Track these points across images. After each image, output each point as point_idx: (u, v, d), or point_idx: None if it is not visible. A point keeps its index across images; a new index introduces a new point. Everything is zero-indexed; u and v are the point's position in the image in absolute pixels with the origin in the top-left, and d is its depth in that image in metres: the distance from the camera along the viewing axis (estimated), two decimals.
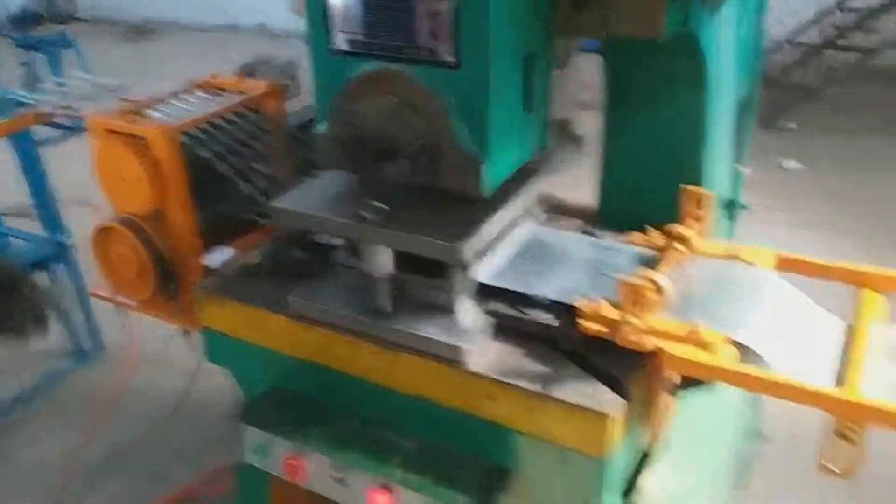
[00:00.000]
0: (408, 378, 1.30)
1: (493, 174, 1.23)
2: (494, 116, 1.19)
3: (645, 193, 1.59)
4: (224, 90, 1.81)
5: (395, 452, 1.31)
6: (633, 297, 1.16)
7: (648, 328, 1.15)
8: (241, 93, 1.78)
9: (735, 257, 1.37)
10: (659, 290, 1.16)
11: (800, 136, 5.18)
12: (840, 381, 1.12)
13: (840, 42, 5.72)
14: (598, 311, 1.20)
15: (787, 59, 5.67)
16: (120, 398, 2.77)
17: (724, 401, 1.71)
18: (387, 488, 1.29)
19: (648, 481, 1.37)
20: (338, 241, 1.46)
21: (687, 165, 1.54)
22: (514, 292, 1.32)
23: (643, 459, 1.40)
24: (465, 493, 1.23)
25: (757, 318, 1.22)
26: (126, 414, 2.76)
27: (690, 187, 1.43)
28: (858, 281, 1.33)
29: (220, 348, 1.52)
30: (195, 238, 1.62)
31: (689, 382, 1.26)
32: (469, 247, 1.20)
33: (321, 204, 1.33)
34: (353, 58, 1.25)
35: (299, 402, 1.44)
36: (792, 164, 4.69)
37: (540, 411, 1.18)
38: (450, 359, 1.24)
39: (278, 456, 1.38)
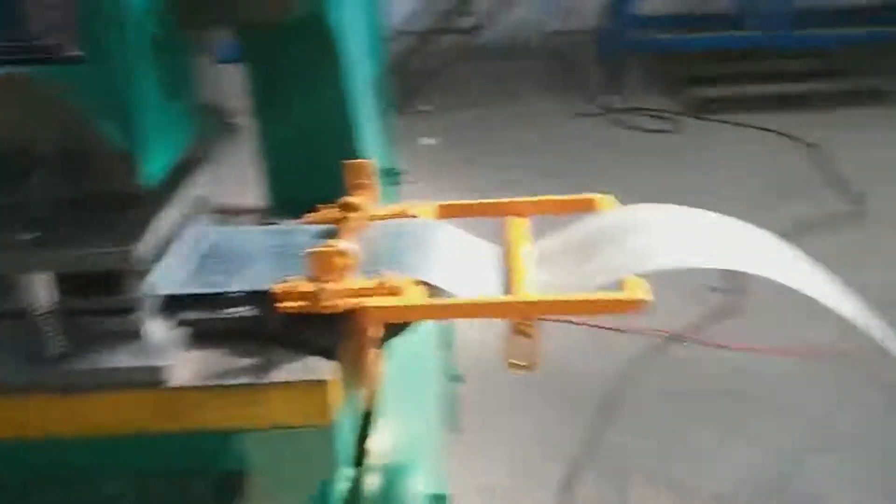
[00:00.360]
0: (103, 419, 1.18)
1: (149, 168, 1.16)
2: (138, 107, 1.12)
3: (308, 177, 1.64)
4: None
5: (116, 497, 1.20)
6: (323, 266, 1.20)
7: (343, 290, 1.20)
8: None
9: (404, 214, 1.49)
10: (344, 254, 1.22)
11: (434, 115, 5.72)
12: (507, 291, 1.29)
13: (445, 26, 6.43)
14: (294, 288, 1.22)
15: (401, 47, 6.20)
16: None
17: (422, 349, 1.85)
18: None
19: (376, 442, 1.44)
20: None
21: (341, 145, 1.62)
22: (203, 295, 1.28)
23: (365, 423, 1.47)
24: None
25: (433, 259, 1.34)
26: None
27: (351, 161, 1.51)
28: (502, 211, 1.54)
29: None
30: None
31: (391, 333, 1.34)
32: (143, 247, 1.12)
33: None
34: None
35: None
36: (428, 140, 5.18)
37: (258, 402, 1.16)
38: (149, 382, 1.16)
39: None
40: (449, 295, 1.26)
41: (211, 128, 1.41)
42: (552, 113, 5.73)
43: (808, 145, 4.82)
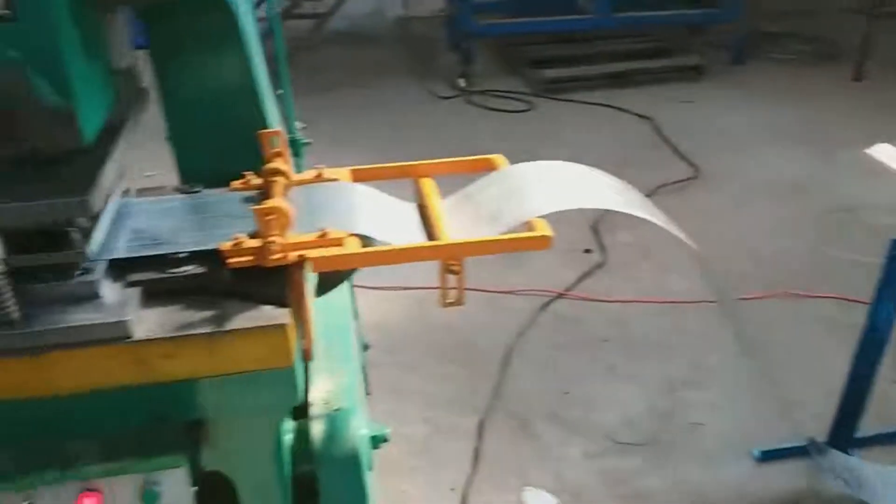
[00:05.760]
0: (67, 377, 1.24)
1: (86, 123, 1.21)
2: (70, 64, 1.17)
3: (216, 149, 1.72)
4: None
5: (81, 453, 1.26)
6: (267, 223, 1.32)
7: (289, 244, 1.33)
8: None
9: (322, 178, 1.62)
10: (285, 211, 1.34)
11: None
12: (431, 237, 1.47)
13: (295, 12, 6.43)
14: (240, 245, 1.33)
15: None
16: None
17: (343, 311, 1.99)
18: (90, 490, 1.24)
19: (317, 390, 1.58)
20: None
21: (247, 116, 1.72)
22: (148, 258, 1.35)
23: (304, 373, 1.59)
24: (173, 454, 1.27)
25: (360, 215, 1.49)
26: None
27: (265, 131, 1.61)
28: (409, 173, 1.71)
29: None
30: None
31: (328, 286, 1.48)
32: (96, 198, 1.17)
33: None
34: None
35: None
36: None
37: (220, 350, 1.27)
38: (114, 336, 1.23)
39: None
40: (382, 243, 1.42)
41: (127, 92, 1.47)
42: (409, 97, 5.93)
43: (642, 118, 5.34)
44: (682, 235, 1.66)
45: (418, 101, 5.86)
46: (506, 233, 1.43)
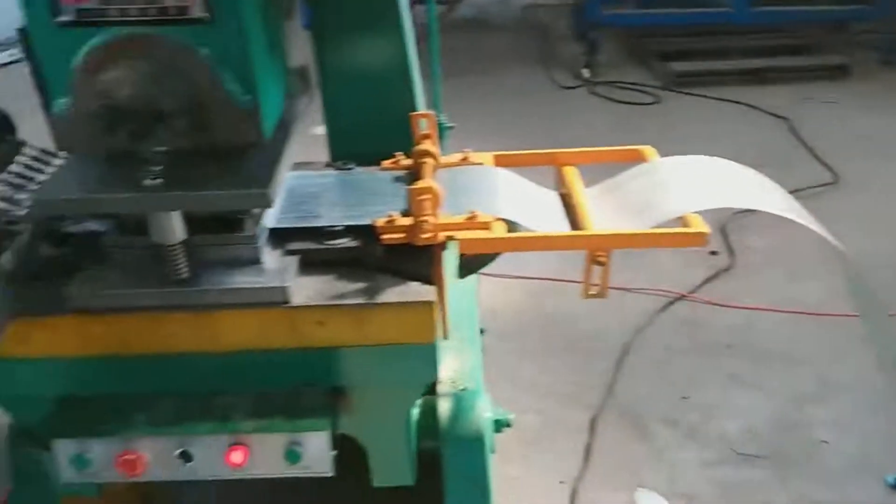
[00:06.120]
0: (228, 336, 1.32)
1: (266, 119, 1.29)
2: (258, 62, 1.25)
3: (367, 128, 1.78)
4: None
5: (233, 408, 1.34)
6: (420, 202, 1.34)
7: (440, 224, 1.35)
8: None
9: (467, 161, 1.64)
10: (436, 193, 1.37)
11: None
12: (574, 227, 1.46)
13: None
14: (393, 222, 1.37)
15: None
16: None
17: (470, 293, 2.02)
18: (239, 444, 1.32)
19: (443, 368, 1.61)
20: (95, 227, 1.39)
21: (399, 97, 1.76)
22: (305, 229, 1.42)
23: None
24: (317, 417, 1.32)
25: (505, 200, 1.50)
26: None
27: (417, 112, 1.65)
28: (556, 160, 1.70)
29: None
30: None
31: (470, 268, 1.50)
32: (274, 190, 1.25)
33: (89, 186, 1.25)
34: (89, 28, 1.19)
35: (103, 401, 1.36)
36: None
37: (369, 321, 1.32)
38: (272, 301, 1.30)
39: (105, 458, 1.30)
40: (526, 230, 1.43)
41: (299, 85, 1.54)
42: (531, 86, 5.88)
43: (778, 118, 5.08)
44: (835, 242, 1.58)
45: (541, 91, 5.81)
46: (655, 227, 1.40)
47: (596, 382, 2.80)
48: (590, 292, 1.41)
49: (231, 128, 1.25)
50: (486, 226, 1.37)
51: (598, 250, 1.36)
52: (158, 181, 1.20)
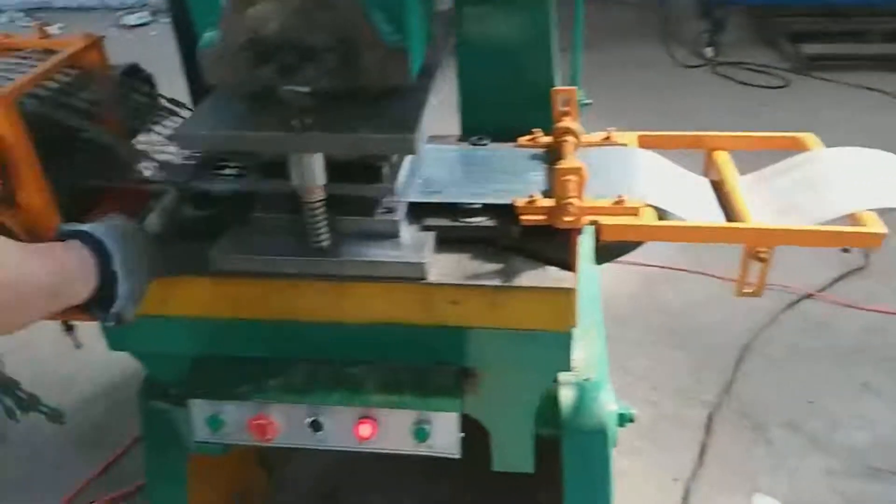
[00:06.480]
0: (362, 307, 1.31)
1: (414, 61, 1.21)
2: (409, 1, 1.18)
3: (502, 102, 1.71)
4: (21, 50, 1.57)
5: (364, 380, 1.33)
6: (565, 184, 1.28)
7: (585, 207, 1.29)
8: (48, 51, 1.56)
9: (610, 141, 1.56)
10: (583, 174, 1.30)
11: None
12: (730, 218, 1.36)
13: None
14: (534, 203, 1.31)
15: None
16: None
17: (593, 280, 1.94)
18: (368, 417, 1.31)
19: (576, 350, 1.54)
20: (237, 190, 1.39)
21: (537, 71, 1.68)
22: (442, 205, 1.38)
23: None
24: (449, 397, 1.30)
25: (653, 184, 1.41)
26: None
27: (559, 88, 1.57)
28: (703, 145, 1.59)
29: (125, 333, 1.38)
30: (57, 218, 1.42)
31: (609, 255, 1.43)
32: (418, 136, 1.17)
33: (234, 122, 1.21)
34: None
35: (239, 364, 1.37)
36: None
37: (505, 304, 1.27)
38: (411, 276, 1.27)
39: (238, 421, 1.32)
40: (678, 218, 1.34)
41: (441, 33, 1.47)
42: (650, 63, 5.65)
43: None
44: None
45: (660, 69, 5.57)
46: (820, 223, 1.28)
47: (713, 379, 2.68)
48: (744, 290, 1.31)
49: (379, 68, 1.17)
50: (634, 211, 1.29)
51: (760, 245, 1.26)
52: (306, 120, 1.15)
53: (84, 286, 1.09)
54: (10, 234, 1.38)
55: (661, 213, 1.34)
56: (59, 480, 2.32)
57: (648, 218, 1.29)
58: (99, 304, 1.13)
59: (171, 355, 1.41)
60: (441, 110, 1.35)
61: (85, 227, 1.15)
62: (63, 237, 1.14)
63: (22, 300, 0.97)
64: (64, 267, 1.07)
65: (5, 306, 0.94)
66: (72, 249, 1.11)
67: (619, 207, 1.30)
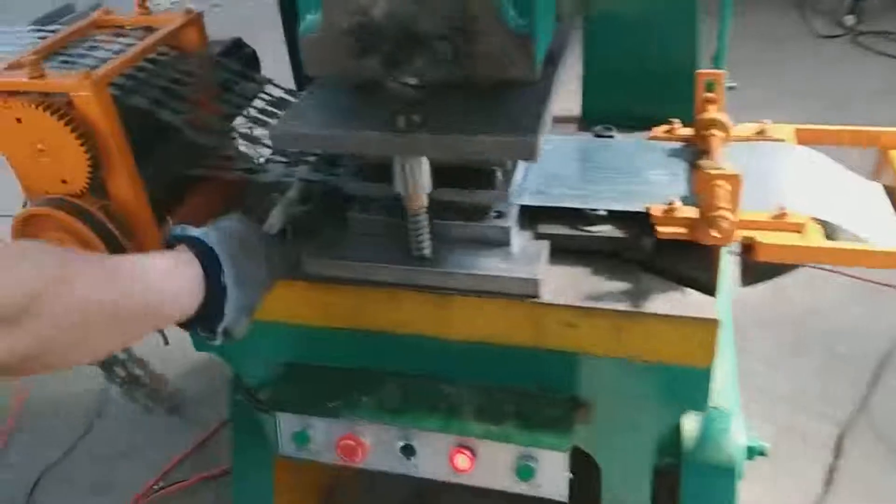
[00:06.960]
0: (465, 324, 1.15)
1: (539, 49, 1.02)
2: None
3: (633, 86, 1.49)
4: (122, 27, 1.48)
5: (462, 403, 1.18)
6: (715, 190, 1.07)
7: (738, 221, 1.07)
8: (147, 28, 1.47)
9: (764, 136, 1.32)
10: (738, 180, 1.08)
11: None
12: None
13: None
14: (674, 212, 1.11)
15: None
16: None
17: (726, 295, 1.71)
18: (465, 447, 1.16)
19: None
20: (336, 189, 1.25)
21: (678, 52, 1.45)
22: (560, 209, 1.19)
23: None
24: (558, 433, 1.13)
25: (818, 193, 1.18)
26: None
27: (704, 70, 1.34)
28: (878, 141, 1.33)
29: None
30: (148, 208, 1.33)
31: (761, 277, 1.21)
32: (540, 141, 0.98)
33: (334, 120, 1.06)
34: None
35: (329, 375, 1.25)
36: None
37: (632, 330, 1.08)
38: (522, 293, 1.10)
39: (326, 441, 1.20)
40: (850, 237, 1.11)
41: (570, 8, 1.27)
42: (783, 32, 5.17)
43: None
44: None
45: (793, 38, 5.08)
46: None
47: (845, 394, 2.39)
48: None
49: (500, 58, 0.99)
50: (797, 227, 1.07)
51: None
52: (415, 118, 0.99)
53: (189, 300, 0.96)
54: (100, 225, 1.31)
55: (830, 230, 1.11)
56: (156, 454, 2.32)
57: (814, 236, 1.07)
58: (203, 319, 0.99)
59: (260, 360, 1.31)
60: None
61: (196, 232, 1.02)
62: (173, 241, 1.01)
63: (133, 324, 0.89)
64: (173, 283, 0.94)
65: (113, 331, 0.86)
66: (182, 263, 0.97)
67: (780, 222, 1.08)
